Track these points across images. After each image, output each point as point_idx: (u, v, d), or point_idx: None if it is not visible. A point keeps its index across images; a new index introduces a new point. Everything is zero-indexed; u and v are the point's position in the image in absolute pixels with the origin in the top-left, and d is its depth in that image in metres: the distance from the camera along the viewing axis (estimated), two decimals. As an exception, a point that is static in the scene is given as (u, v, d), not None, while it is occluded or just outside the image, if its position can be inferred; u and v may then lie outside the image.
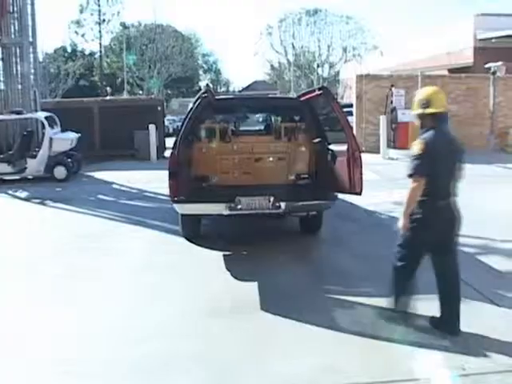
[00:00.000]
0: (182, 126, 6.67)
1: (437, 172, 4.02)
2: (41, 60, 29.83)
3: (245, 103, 8.58)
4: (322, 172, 7.10)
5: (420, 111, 4.20)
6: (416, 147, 4.06)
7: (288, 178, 7.48)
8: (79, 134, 14.40)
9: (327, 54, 47.85)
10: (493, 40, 21.24)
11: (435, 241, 4.17)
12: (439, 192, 4.07)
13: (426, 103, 4.15)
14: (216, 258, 6.41)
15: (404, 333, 4.18)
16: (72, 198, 10.82)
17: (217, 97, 7.73)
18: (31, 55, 15.62)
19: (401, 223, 4.14)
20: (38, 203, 10.62)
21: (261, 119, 11.09)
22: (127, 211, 9.36)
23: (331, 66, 48.06)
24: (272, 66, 53.32)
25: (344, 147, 6.26)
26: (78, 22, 48.41)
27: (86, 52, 50.41)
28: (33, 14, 15.65)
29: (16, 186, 12.58)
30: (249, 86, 58.64)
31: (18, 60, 15.40)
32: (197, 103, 6.68)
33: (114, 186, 12.69)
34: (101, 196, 11.25)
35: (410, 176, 4.04)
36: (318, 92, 6.66)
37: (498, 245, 6.71)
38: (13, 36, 15.47)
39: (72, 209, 9.85)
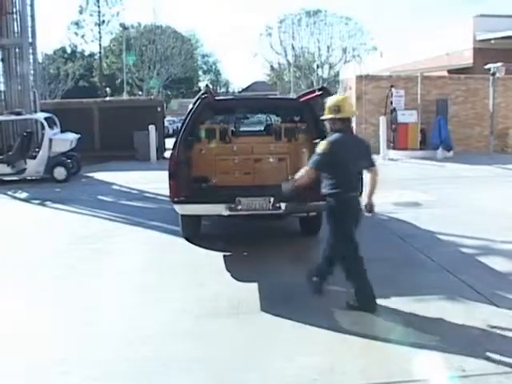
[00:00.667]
0: (181, 126, 6.68)
1: (346, 168, 4.64)
2: (40, 61, 29.90)
3: (244, 104, 8.57)
4: (321, 173, 7.08)
5: (331, 116, 4.70)
6: (321, 146, 4.65)
7: (288, 179, 7.46)
8: (79, 135, 14.43)
9: (327, 54, 48.01)
10: (492, 41, 21.26)
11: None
12: (350, 185, 4.69)
13: (337, 109, 4.66)
14: (216, 258, 6.42)
15: (403, 333, 4.19)
16: (72, 199, 10.83)
17: (216, 97, 7.73)
18: (31, 56, 15.63)
19: (287, 186, 4.98)
20: (38, 204, 10.62)
21: (261, 120, 11.08)
22: (127, 212, 9.36)
23: (331, 66, 48.14)
24: (272, 66, 53.43)
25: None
26: (77, 23, 48.59)
27: (86, 53, 50.64)
28: (32, 15, 15.67)
29: (15, 186, 12.59)
30: (248, 86, 58.57)
31: (18, 61, 15.42)
32: (196, 104, 6.68)
33: (114, 186, 12.70)
34: (101, 197, 11.25)
35: (309, 166, 4.73)
36: (317, 92, 6.65)
37: (498, 245, 6.71)
38: (12, 37, 15.49)
39: (72, 210, 9.86)
